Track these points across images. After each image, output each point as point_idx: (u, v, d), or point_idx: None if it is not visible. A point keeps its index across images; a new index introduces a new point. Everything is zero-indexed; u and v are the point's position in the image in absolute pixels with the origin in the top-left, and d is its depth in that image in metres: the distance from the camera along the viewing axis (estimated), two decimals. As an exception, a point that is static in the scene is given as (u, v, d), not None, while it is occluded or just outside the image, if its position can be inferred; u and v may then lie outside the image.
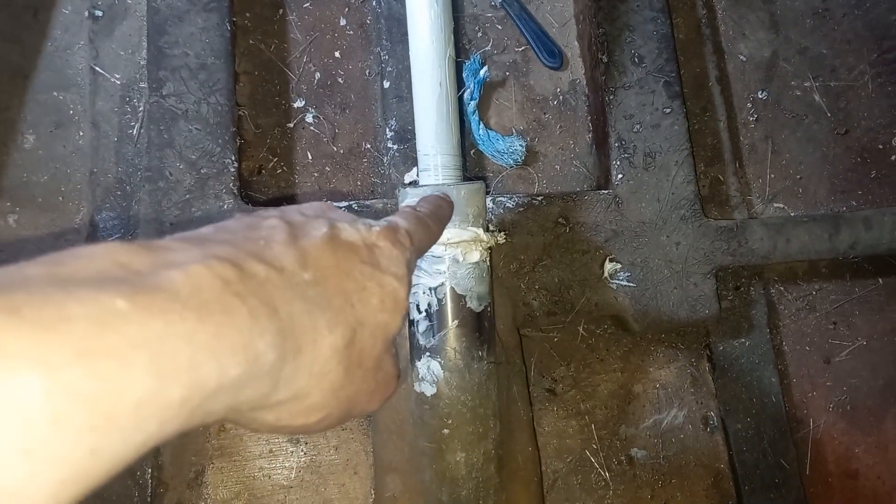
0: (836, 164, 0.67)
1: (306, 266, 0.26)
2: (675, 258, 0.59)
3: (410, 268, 0.32)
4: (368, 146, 0.67)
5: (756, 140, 0.67)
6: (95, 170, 0.60)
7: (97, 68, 0.61)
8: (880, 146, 0.67)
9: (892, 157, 0.67)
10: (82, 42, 0.62)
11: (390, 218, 0.34)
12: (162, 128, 0.56)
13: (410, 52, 0.52)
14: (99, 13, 0.62)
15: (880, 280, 0.65)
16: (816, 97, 0.68)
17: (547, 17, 0.71)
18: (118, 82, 0.62)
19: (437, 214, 0.39)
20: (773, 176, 0.66)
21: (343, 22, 0.68)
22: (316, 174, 0.65)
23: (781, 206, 0.66)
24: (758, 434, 0.63)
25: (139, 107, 0.61)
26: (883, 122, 0.67)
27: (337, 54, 0.68)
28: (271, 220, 0.28)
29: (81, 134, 0.61)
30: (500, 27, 0.70)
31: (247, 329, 0.21)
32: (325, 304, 0.26)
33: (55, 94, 0.62)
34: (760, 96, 0.68)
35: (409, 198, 0.49)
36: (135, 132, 0.61)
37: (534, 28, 0.69)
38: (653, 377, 0.64)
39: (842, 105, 0.68)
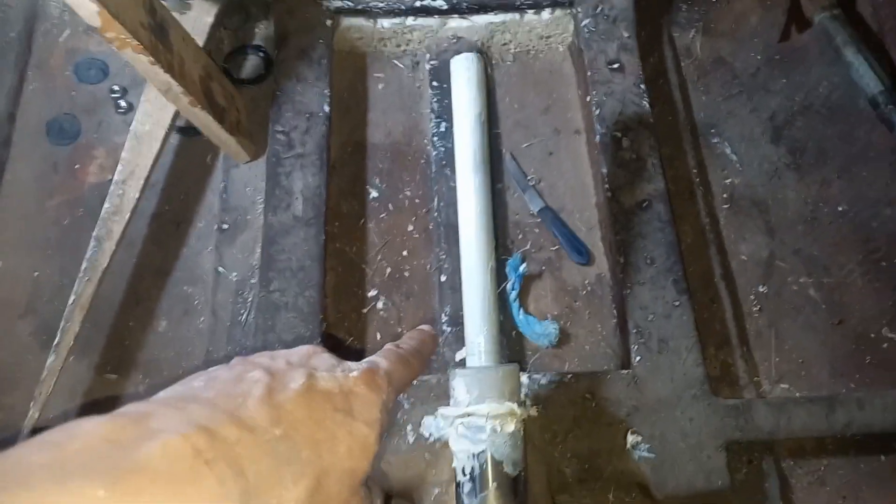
0: (835, 350, 0.75)
1: (279, 422, 0.29)
2: (689, 432, 0.67)
3: (387, 408, 0.35)
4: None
5: (761, 328, 0.77)
6: (210, 349, 0.76)
7: (220, 269, 0.79)
8: (872, 335, 0.76)
9: (885, 345, 0.75)
10: (210, 248, 0.81)
11: (372, 358, 0.38)
12: (267, 316, 0.72)
13: (462, 263, 0.67)
14: (226, 226, 0.82)
15: (882, 457, 0.71)
16: (812, 292, 0.78)
17: (576, 223, 0.86)
18: (234, 279, 0.79)
19: (420, 351, 0.42)
20: (778, 360, 0.75)
21: (411, 228, 0.85)
22: (383, 352, 0.79)
23: (787, 386, 0.74)
24: None
25: (249, 298, 0.78)
26: (874, 314, 0.77)
27: (405, 253, 0.84)
28: (255, 373, 0.31)
29: (202, 320, 0.78)
30: (537, 230, 0.85)
31: (214, 495, 0.24)
32: (294, 456, 0.29)
33: (185, 288, 0.79)
34: (762, 290, 0.79)
35: (458, 378, 0.61)
36: (243, 319, 0.77)
37: (565, 231, 0.84)
38: (680, 545, 0.69)
39: (836, 299, 0.78)
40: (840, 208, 0.83)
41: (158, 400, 0.29)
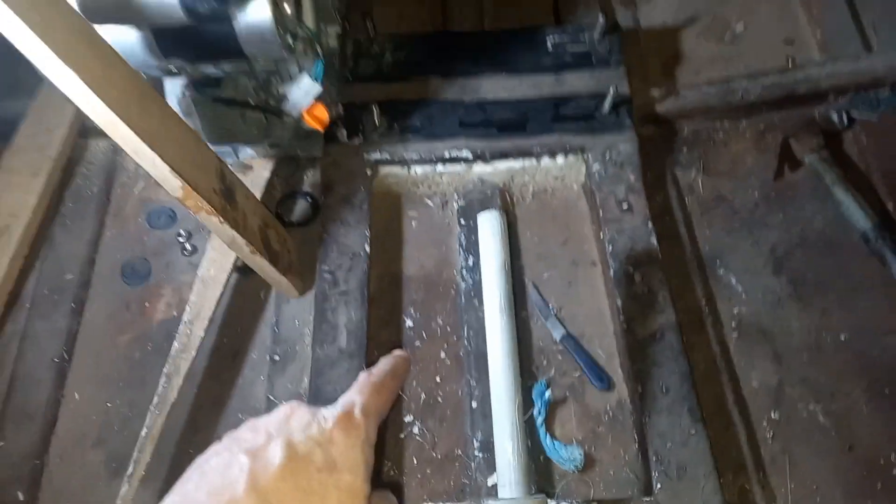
0: (847, 475, 0.79)
1: None
2: (711, 560, 0.71)
3: (370, 442, 0.37)
4: (460, 452, 0.86)
5: (775, 453, 0.82)
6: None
7: (271, 397, 0.87)
8: (882, 461, 0.80)
9: (895, 471, 0.79)
10: (263, 378, 0.89)
11: (346, 396, 0.40)
12: (314, 445, 0.79)
13: (491, 396, 0.74)
14: (277, 357, 0.90)
15: (899, 587, 0.73)
16: (821, 418, 0.83)
17: (597, 351, 0.92)
18: (284, 407, 0.86)
19: (394, 372, 0.44)
20: (793, 486, 0.79)
21: (443, 355, 0.92)
22: (419, 476, 0.84)
23: (804, 512, 0.78)
24: None
25: (298, 427, 0.85)
26: (882, 441, 0.81)
27: (437, 379, 0.91)
28: (240, 459, 0.33)
29: (255, 446, 0.85)
30: (560, 357, 0.92)
31: None
32: None
33: (240, 415, 0.87)
34: (774, 416, 0.84)
35: (491, 508, 0.67)
36: (293, 446, 0.84)
37: (586, 358, 0.91)
38: None
39: (844, 425, 0.83)
40: (842, 337, 0.89)
41: None
